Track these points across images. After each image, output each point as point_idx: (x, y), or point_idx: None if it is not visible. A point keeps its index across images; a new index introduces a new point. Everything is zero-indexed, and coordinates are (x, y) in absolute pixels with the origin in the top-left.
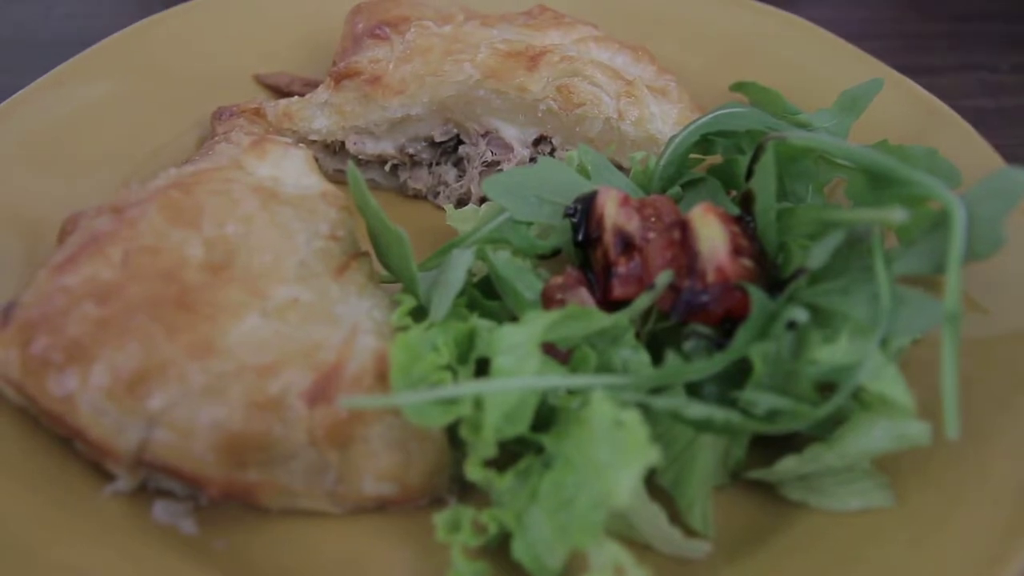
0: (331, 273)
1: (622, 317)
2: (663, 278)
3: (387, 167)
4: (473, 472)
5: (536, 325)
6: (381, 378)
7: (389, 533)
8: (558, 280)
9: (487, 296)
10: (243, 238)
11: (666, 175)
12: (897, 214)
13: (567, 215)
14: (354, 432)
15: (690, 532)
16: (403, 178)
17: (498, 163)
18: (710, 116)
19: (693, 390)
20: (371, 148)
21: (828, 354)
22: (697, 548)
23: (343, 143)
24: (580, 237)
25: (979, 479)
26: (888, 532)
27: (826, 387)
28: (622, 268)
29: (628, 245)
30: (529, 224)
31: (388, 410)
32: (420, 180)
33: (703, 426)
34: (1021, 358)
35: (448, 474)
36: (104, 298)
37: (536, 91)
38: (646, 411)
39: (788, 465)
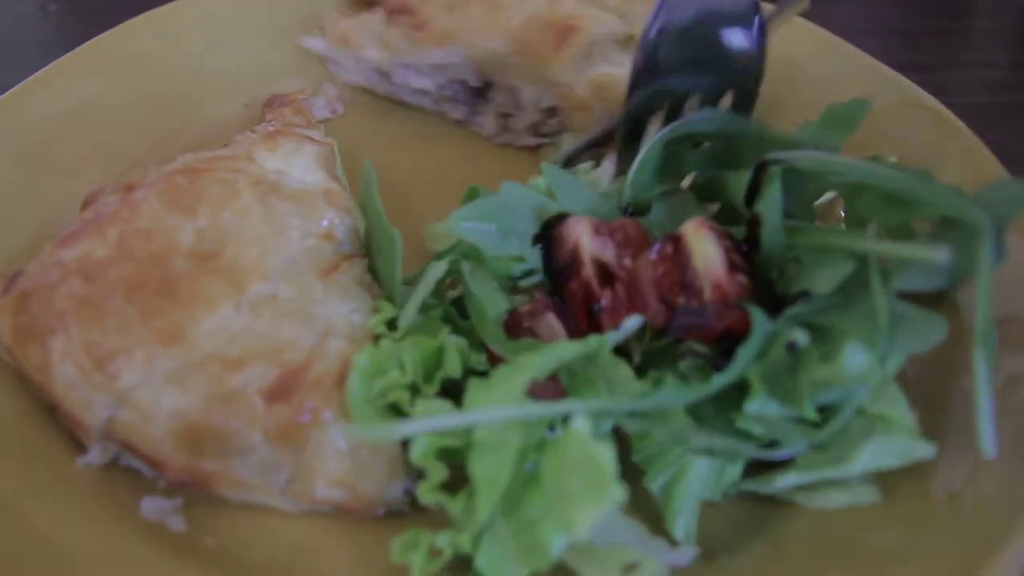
0: (318, 272)
1: (591, 342)
2: (631, 322)
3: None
4: (426, 495)
5: (513, 383)
6: (342, 383)
7: (390, 537)
8: (526, 307)
9: (463, 315)
10: (236, 229)
11: (639, 181)
12: (940, 254)
13: (535, 243)
14: (307, 435)
15: (673, 540)
16: (444, 108)
17: (511, 115)
18: (679, 122)
19: (689, 409)
20: (414, 82)
21: (826, 374)
22: (683, 556)
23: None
24: (546, 265)
25: (968, 478)
26: (875, 530)
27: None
28: (607, 300)
29: (607, 275)
30: None
31: (342, 417)
32: (458, 111)
33: (705, 452)
34: (1014, 361)
35: (402, 486)
36: (91, 276)
37: (563, 79)
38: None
39: (788, 481)
